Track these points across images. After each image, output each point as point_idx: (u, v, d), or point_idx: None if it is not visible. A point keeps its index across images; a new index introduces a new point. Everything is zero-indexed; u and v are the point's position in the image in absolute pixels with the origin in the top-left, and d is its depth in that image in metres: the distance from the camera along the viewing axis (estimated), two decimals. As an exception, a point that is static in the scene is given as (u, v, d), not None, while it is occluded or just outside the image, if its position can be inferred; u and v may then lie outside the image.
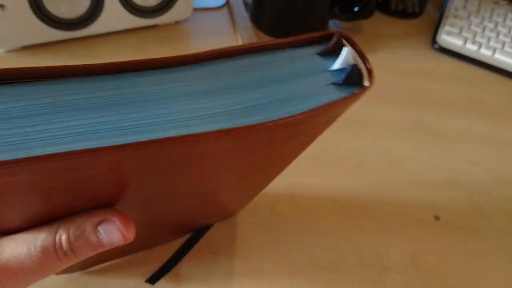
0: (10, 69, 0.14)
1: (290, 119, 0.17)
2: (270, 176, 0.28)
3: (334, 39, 0.19)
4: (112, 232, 0.18)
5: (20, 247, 0.18)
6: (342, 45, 0.19)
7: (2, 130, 0.13)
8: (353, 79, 0.18)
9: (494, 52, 0.56)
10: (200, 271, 0.33)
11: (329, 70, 0.19)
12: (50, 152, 0.13)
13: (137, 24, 0.53)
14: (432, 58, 0.58)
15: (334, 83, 0.18)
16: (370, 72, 0.18)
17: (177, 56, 0.16)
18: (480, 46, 0.57)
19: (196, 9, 0.58)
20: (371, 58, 0.56)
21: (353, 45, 0.19)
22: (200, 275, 0.33)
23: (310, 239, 0.36)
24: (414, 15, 0.65)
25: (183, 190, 0.22)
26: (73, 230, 0.18)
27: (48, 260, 0.18)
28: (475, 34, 0.59)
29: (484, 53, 0.57)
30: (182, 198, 0.23)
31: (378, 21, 0.63)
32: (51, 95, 0.14)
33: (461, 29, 0.59)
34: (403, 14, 0.64)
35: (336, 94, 0.18)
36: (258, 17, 0.56)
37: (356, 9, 0.55)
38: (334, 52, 0.19)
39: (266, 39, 0.55)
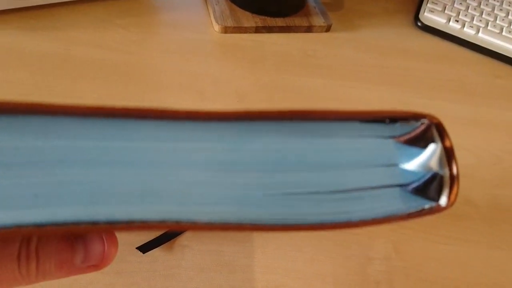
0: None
1: (329, 226, 0.12)
2: None
3: (423, 125, 0.13)
4: (92, 243, 0.15)
5: None
6: (431, 136, 0.13)
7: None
8: (428, 192, 0.13)
9: (478, 31, 0.54)
10: (167, 264, 0.30)
11: (399, 166, 0.13)
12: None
13: (98, -6, 0.48)
14: (414, 37, 0.55)
15: (401, 186, 0.13)
16: (452, 186, 0.13)
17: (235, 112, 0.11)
18: (463, 24, 0.55)
19: (164, -20, 0.54)
20: (352, 36, 0.54)
21: (443, 138, 0.14)
22: (168, 268, 0.30)
23: (289, 232, 0.34)
24: (396, -9, 0.62)
25: None
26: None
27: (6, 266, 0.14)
28: (458, 12, 0.56)
29: (468, 32, 0.54)
30: None
31: (359, -2, 0.60)
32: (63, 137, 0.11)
33: (445, 6, 0.57)
34: (385, -10, 0.61)
35: (399, 203, 0.13)
36: (232, -10, 0.52)
37: (336, -18, 0.52)
38: (415, 142, 0.14)
39: (240, 13, 0.51)
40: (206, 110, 0.11)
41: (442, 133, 0.14)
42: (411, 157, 0.14)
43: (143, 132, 0.11)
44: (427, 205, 0.14)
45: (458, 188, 0.13)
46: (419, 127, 0.14)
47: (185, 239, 0.32)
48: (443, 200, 0.14)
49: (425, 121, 0.14)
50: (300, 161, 0.12)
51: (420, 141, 0.14)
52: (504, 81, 0.52)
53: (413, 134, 0.14)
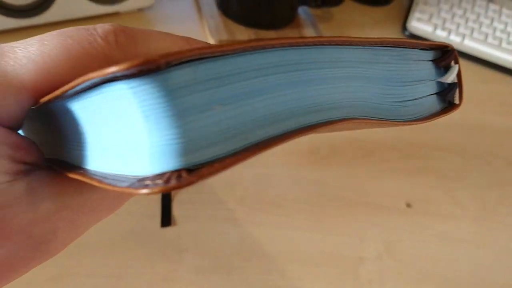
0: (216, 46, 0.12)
1: (407, 124, 0.18)
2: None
3: (451, 54, 0.20)
4: None
5: None
6: (451, 60, 0.20)
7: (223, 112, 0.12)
8: (451, 95, 0.20)
9: (463, 38, 0.56)
10: (164, 270, 0.31)
11: (435, 81, 0.20)
12: (268, 134, 0.13)
13: (96, 11, 0.50)
14: (402, 45, 0.57)
15: (436, 94, 0.20)
16: (461, 91, 0.20)
17: (351, 37, 0.16)
18: (449, 32, 0.57)
19: (160, -4, 0.56)
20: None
21: (457, 63, 0.20)
22: (165, 273, 0.31)
23: (280, 233, 0.35)
24: (384, 2, 0.64)
25: None
26: None
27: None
28: (444, 21, 0.58)
29: (454, 40, 0.56)
30: None
31: (349, 8, 0.62)
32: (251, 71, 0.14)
33: (431, 16, 0.59)
34: (374, 1, 0.64)
35: (436, 105, 0.20)
36: (225, 4, 0.54)
37: (325, -5, 0.54)
38: (442, 63, 0.20)
39: (234, 26, 0.53)
40: (359, 38, 0.16)
41: (456, 57, 0.20)
42: (439, 74, 0.20)
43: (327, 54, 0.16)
44: (449, 104, 0.20)
45: (463, 91, 0.20)
46: (450, 55, 0.20)
47: (184, 242, 0.33)
48: (457, 100, 0.20)
49: (453, 52, 0.20)
50: (393, 78, 0.18)
51: (445, 63, 0.20)
52: (489, 86, 0.54)
53: (446, 59, 0.20)
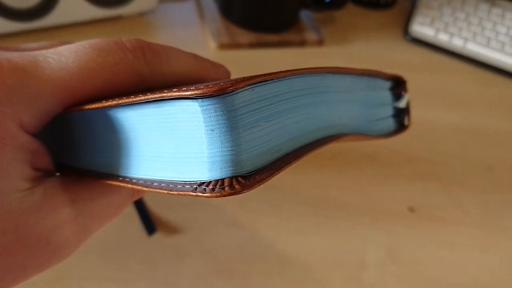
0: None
1: (378, 138, 0.23)
2: None
3: (404, 83, 0.24)
4: None
5: None
6: (403, 88, 0.24)
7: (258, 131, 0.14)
8: (402, 118, 0.24)
9: (466, 42, 0.56)
10: (165, 273, 0.31)
11: (392, 106, 0.24)
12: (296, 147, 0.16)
13: (98, 15, 0.50)
14: (404, 49, 0.57)
15: (393, 116, 0.24)
16: (409, 115, 0.25)
17: (343, 68, 0.19)
18: (451, 36, 0.57)
19: (161, 0, 0.56)
20: (344, 50, 0.55)
21: (407, 90, 0.24)
22: (166, 277, 0.31)
23: (282, 237, 0.35)
24: (386, 6, 0.64)
25: None
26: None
27: (125, 196, 0.17)
28: (446, 25, 0.58)
29: (456, 43, 0.56)
30: None
31: (351, 12, 0.62)
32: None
33: (433, 19, 0.59)
34: (376, 5, 0.64)
35: (391, 125, 0.24)
36: (227, 8, 0.54)
37: (327, 0, 0.54)
38: (398, 92, 0.24)
39: (236, 30, 0.53)
40: (345, 67, 0.19)
41: (405, 88, 0.24)
42: (394, 99, 0.24)
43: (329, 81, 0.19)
44: (399, 126, 0.24)
45: (410, 116, 0.25)
46: (403, 84, 0.24)
47: (185, 246, 0.33)
48: (407, 122, 0.24)
49: (405, 82, 0.24)
50: (367, 101, 0.22)
51: (398, 91, 0.24)
52: (492, 90, 0.53)
53: (401, 88, 0.24)
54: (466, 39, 0.56)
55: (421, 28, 0.57)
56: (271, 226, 0.35)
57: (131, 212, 0.34)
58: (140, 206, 0.33)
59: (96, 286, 0.30)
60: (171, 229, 0.34)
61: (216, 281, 0.31)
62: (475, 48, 0.56)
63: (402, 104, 0.24)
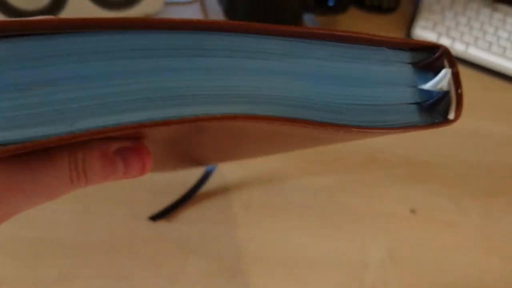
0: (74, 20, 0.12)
1: (361, 130, 0.15)
2: (280, 151, 0.27)
3: (437, 53, 0.16)
4: (131, 160, 0.17)
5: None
6: (442, 63, 0.17)
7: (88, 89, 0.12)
8: (439, 108, 0.16)
9: (467, 46, 0.57)
10: (169, 271, 0.32)
11: (417, 87, 0.17)
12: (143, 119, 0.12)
13: (105, 17, 0.51)
14: (407, 53, 0.58)
15: (418, 104, 0.16)
16: (459, 104, 0.16)
17: (266, 25, 0.14)
18: (453, 40, 0.57)
19: (167, 3, 0.57)
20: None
21: (452, 67, 0.16)
22: (170, 275, 0.31)
23: (285, 237, 0.35)
24: (389, 10, 0.65)
25: (209, 143, 0.21)
26: (91, 150, 0.16)
27: (60, 179, 0.16)
28: (448, 29, 0.59)
29: (458, 48, 0.57)
30: (204, 147, 0.22)
31: (354, 16, 0.62)
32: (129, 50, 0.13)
33: (435, 24, 0.59)
34: (378, 9, 0.64)
35: (416, 117, 0.16)
36: (232, 11, 0.55)
37: (331, 3, 0.54)
38: (431, 68, 0.17)
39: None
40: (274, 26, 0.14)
41: (451, 60, 0.16)
42: (427, 80, 0.17)
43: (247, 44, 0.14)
44: (438, 119, 0.17)
45: (462, 105, 0.16)
46: (435, 55, 0.16)
47: (190, 245, 0.34)
48: (451, 115, 0.16)
49: (440, 51, 0.16)
50: (345, 78, 0.15)
51: (434, 66, 0.16)
52: (494, 94, 0.54)
53: (430, 61, 0.17)
54: (467, 44, 0.57)
55: (423, 32, 0.58)
56: (274, 227, 0.36)
57: (138, 211, 0.35)
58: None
59: (102, 283, 0.31)
60: (176, 229, 0.34)
61: (219, 280, 0.32)
62: (476, 53, 0.56)
63: (438, 85, 0.16)
